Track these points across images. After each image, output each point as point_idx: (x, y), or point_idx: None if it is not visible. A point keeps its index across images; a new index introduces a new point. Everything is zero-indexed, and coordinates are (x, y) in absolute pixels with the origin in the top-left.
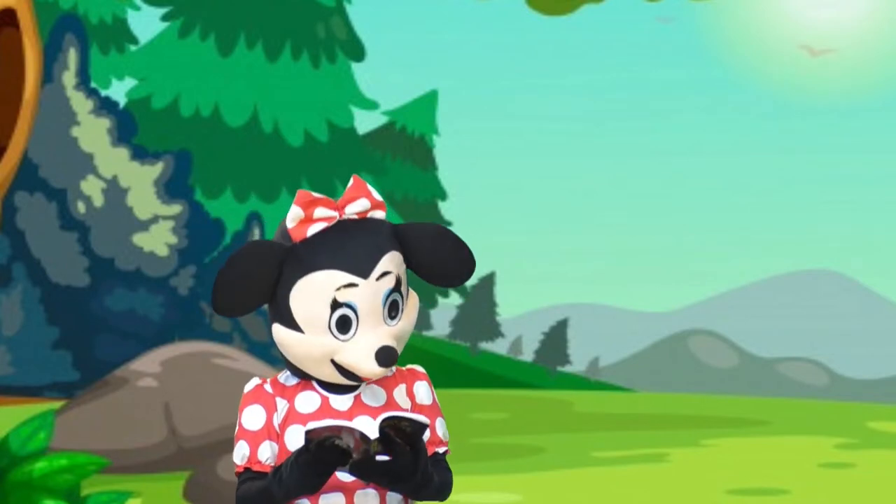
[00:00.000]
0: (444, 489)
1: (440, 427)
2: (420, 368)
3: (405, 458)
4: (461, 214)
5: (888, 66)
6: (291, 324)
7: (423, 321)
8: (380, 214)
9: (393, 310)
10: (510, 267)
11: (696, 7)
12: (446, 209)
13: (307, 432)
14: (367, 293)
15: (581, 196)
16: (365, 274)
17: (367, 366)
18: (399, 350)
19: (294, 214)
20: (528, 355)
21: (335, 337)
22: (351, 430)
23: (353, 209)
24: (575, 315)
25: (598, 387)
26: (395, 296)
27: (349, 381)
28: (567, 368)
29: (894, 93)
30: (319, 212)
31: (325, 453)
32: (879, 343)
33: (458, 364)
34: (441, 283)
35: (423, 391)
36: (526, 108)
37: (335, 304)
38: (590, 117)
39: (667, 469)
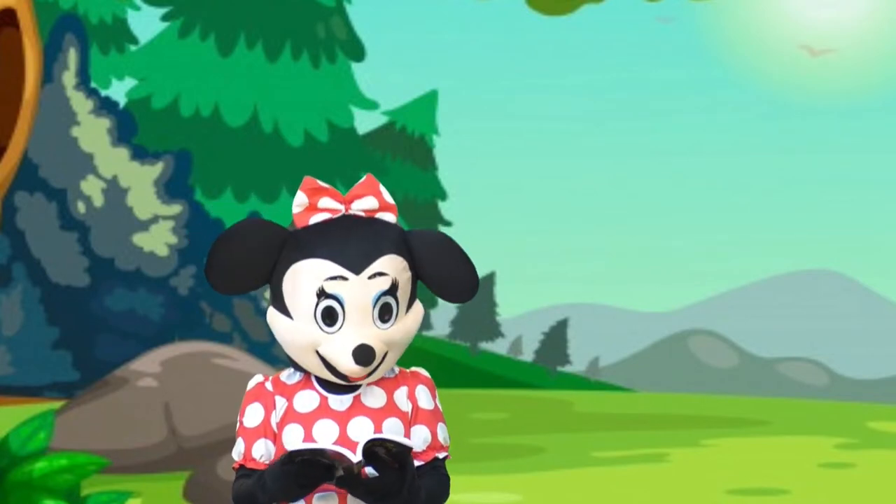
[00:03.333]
0: (436, 499)
1: (441, 432)
2: (424, 372)
3: (391, 475)
4: (461, 214)
5: (888, 66)
6: (283, 308)
7: (422, 321)
8: (389, 217)
9: (384, 313)
10: (510, 267)
11: (696, 7)
12: (446, 209)
13: (291, 453)
14: (356, 289)
15: (581, 196)
16: (357, 270)
17: (345, 361)
18: (393, 357)
19: (299, 200)
20: (528, 355)
21: (320, 328)
22: (334, 455)
23: (359, 206)
24: (575, 315)
25: (598, 387)
26: (388, 299)
27: (336, 379)
28: (567, 368)
29: (894, 93)
30: (324, 202)
31: (309, 468)
32: (879, 343)
33: (458, 364)
34: (444, 297)
35: (425, 396)
36: (526, 108)
37: (322, 294)
38: (590, 117)
39: (667, 469)
